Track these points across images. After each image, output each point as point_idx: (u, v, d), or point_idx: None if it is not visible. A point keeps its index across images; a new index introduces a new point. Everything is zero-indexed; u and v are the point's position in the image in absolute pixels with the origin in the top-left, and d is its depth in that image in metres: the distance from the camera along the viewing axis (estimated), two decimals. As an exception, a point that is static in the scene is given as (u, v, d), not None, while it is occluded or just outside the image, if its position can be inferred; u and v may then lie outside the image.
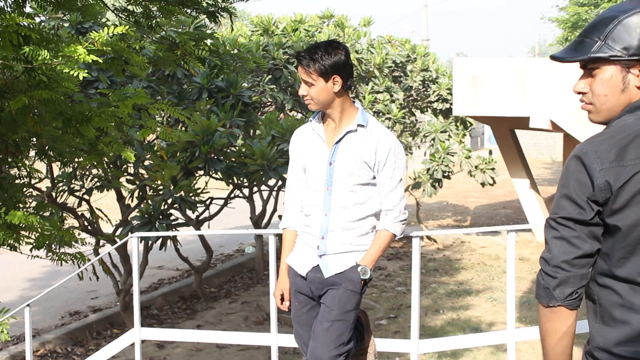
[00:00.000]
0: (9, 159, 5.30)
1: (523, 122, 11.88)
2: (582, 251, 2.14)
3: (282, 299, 3.78)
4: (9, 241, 4.63)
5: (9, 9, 4.56)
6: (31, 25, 4.29)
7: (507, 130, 14.01)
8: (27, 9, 5.62)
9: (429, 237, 14.01)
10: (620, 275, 2.15)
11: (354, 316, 3.54)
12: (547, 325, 2.22)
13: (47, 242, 4.92)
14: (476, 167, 13.32)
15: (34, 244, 4.88)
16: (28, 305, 4.60)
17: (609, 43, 2.13)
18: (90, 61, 4.01)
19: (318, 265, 3.55)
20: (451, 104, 13.64)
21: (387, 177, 3.53)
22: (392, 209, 3.57)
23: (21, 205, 5.19)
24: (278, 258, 4.03)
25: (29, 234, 4.80)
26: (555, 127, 11.17)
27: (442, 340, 4.53)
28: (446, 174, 13.12)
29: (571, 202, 2.14)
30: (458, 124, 14.48)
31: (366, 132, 3.54)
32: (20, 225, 4.53)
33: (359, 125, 3.54)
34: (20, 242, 4.82)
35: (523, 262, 11.86)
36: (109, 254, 8.50)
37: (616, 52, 2.12)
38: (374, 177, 3.55)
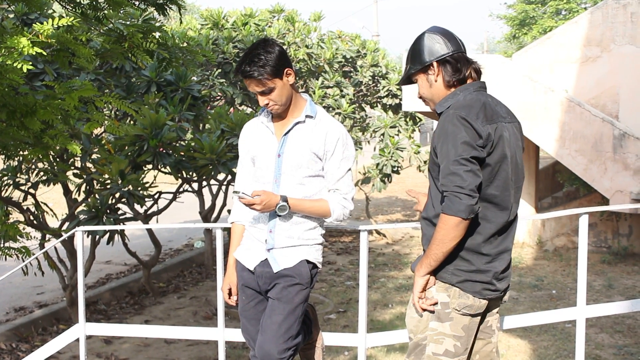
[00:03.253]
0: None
1: (471, 118, 12.00)
2: (480, 179, 3.06)
3: (230, 294, 3.76)
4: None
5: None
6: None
7: (455, 126, 14.13)
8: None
9: (378, 232, 14.08)
10: (483, 196, 3.14)
11: (302, 310, 3.54)
12: (455, 234, 3.06)
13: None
14: (425, 162, 13.40)
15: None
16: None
17: (412, 65, 3.36)
18: (35, 53, 3.95)
19: (266, 259, 3.54)
20: (401, 99, 13.73)
21: (335, 166, 3.54)
22: (339, 190, 3.57)
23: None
24: (226, 252, 4.01)
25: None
26: (503, 123, 11.29)
27: (390, 334, 4.55)
28: (395, 169, 13.19)
29: (471, 146, 3.05)
30: (407, 119, 14.55)
31: (315, 122, 3.55)
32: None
33: (307, 116, 3.54)
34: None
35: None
36: (55, 248, 8.38)
37: (416, 67, 3.34)
38: (323, 169, 3.55)
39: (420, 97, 3.43)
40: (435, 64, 3.28)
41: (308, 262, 3.55)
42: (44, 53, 4.07)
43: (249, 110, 12.13)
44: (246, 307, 3.66)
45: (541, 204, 14.78)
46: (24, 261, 5.29)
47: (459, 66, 3.28)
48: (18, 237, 5.19)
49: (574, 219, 12.44)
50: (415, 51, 3.35)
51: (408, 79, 3.45)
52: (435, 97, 3.35)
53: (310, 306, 3.86)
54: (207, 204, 10.84)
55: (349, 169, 3.60)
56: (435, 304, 3.21)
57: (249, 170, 3.68)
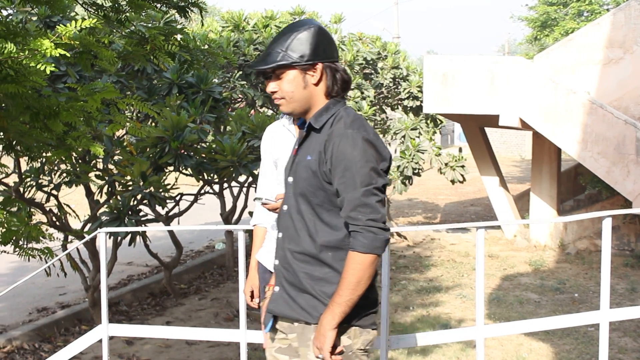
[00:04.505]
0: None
1: (493, 120, 11.97)
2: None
3: (252, 296, 3.77)
4: (-25, 236, 4.57)
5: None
6: (-2, 18, 4.24)
7: (477, 128, 14.10)
8: (-5, 2, 5.55)
9: (399, 234, 14.05)
10: None
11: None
12: (371, 272, 2.76)
13: (14, 237, 4.87)
14: (446, 164, 13.36)
15: (1, 240, 4.82)
16: (-6, 301, 4.55)
17: (289, 53, 2.84)
18: (58, 55, 3.97)
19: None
20: (421, 101, 13.70)
21: None
22: None
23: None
24: (247, 254, 4.01)
25: (-6, 229, 4.75)
26: (525, 125, 11.26)
27: (411, 337, 4.54)
28: (416, 171, 13.15)
29: (378, 174, 2.76)
30: (428, 121, 14.53)
31: None
32: (-14, 220, 4.47)
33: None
34: (-14, 237, 4.77)
35: (492, 259, 11.94)
36: (78, 250, 8.43)
37: (295, 59, 2.83)
38: None
39: (273, 93, 2.95)
40: (320, 65, 2.89)
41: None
42: (67, 55, 4.09)
43: (269, 112, 12.13)
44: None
45: (563, 207, 14.71)
46: (47, 262, 5.31)
47: (346, 77, 2.96)
48: (41, 238, 5.21)
49: (597, 222, 12.37)
50: (300, 41, 2.87)
51: (277, 67, 2.90)
52: (303, 101, 2.92)
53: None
54: (228, 205, 10.86)
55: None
56: (342, 352, 2.85)
57: (271, 173, 3.68)
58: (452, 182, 13.51)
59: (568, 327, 6.10)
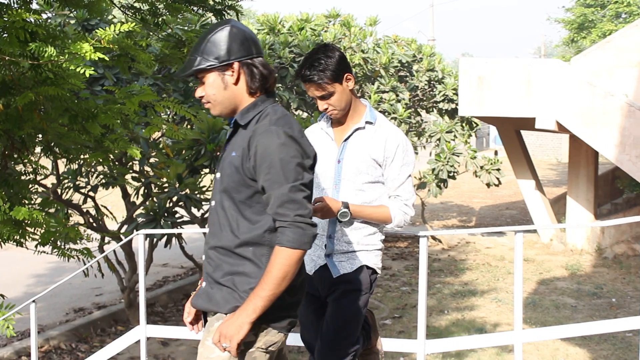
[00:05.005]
0: (15, 155, 5.29)
1: (529, 123, 11.87)
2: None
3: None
4: (15, 237, 4.62)
5: (15, 5, 4.55)
6: (38, 22, 4.28)
7: (512, 130, 14.00)
8: (34, 5, 5.60)
9: (434, 238, 13.99)
10: None
11: (362, 316, 3.53)
12: (296, 269, 2.71)
13: (52, 238, 4.91)
14: (481, 167, 13.28)
15: (40, 240, 4.87)
16: (34, 301, 4.60)
17: (205, 57, 2.84)
18: (97, 58, 4.00)
19: (326, 264, 3.53)
20: (457, 104, 13.62)
21: (395, 172, 3.51)
22: (400, 196, 3.54)
23: (26, 202, 5.18)
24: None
25: (34, 230, 4.79)
26: (561, 128, 11.15)
27: (448, 341, 4.52)
28: (451, 174, 13.08)
29: (304, 169, 2.74)
30: (464, 124, 14.45)
31: (374, 129, 3.53)
32: (26, 221, 4.52)
33: (367, 122, 3.53)
34: (26, 238, 4.82)
35: (528, 263, 11.84)
36: (114, 251, 8.49)
37: (212, 62, 2.83)
38: (383, 175, 3.53)
39: (201, 97, 2.94)
40: (236, 64, 2.85)
41: (367, 267, 3.54)
42: (106, 58, 4.12)
43: (304, 115, 12.14)
44: (305, 311, 3.66)
45: (600, 211, 14.56)
46: (84, 263, 5.36)
47: (266, 73, 2.89)
48: (78, 239, 5.26)
49: (635, 226, 12.22)
50: (214, 43, 2.85)
51: (197, 72, 2.90)
52: (227, 102, 2.90)
53: (369, 312, 3.85)
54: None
55: (409, 175, 3.57)
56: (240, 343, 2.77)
57: (308, 175, 3.68)
58: (488, 185, 13.43)
59: (606, 332, 6.03)
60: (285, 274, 2.68)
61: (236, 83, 2.87)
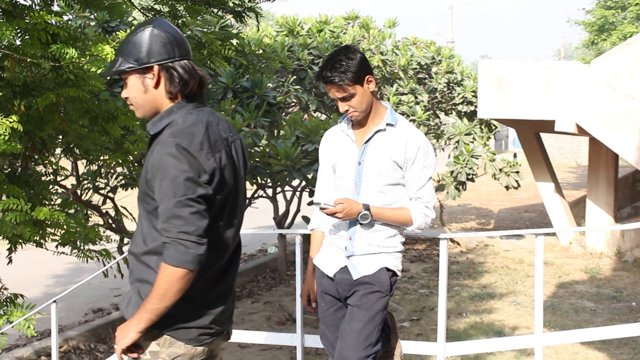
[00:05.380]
0: (36, 156, 5.33)
1: (548, 126, 11.80)
2: (207, 221, 2.63)
3: (309, 300, 3.76)
4: (35, 238, 4.65)
5: (37, 7, 4.58)
6: (59, 24, 4.31)
7: (532, 133, 13.93)
8: (55, 7, 5.64)
9: (452, 240, 13.95)
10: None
11: (382, 318, 3.52)
12: (180, 287, 2.61)
13: (72, 239, 4.94)
14: (500, 170, 13.22)
15: (60, 241, 4.90)
16: (54, 301, 4.61)
17: (126, 58, 2.77)
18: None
19: (346, 266, 3.53)
20: (476, 106, 13.57)
21: (416, 174, 3.51)
22: (421, 199, 3.54)
23: (47, 202, 5.21)
24: (303, 259, 4.02)
25: (54, 230, 4.82)
26: (581, 131, 11.08)
27: (469, 344, 4.50)
28: (470, 177, 13.04)
29: (196, 183, 2.61)
30: (482, 126, 14.39)
31: (395, 131, 3.53)
32: (46, 222, 4.54)
33: (388, 124, 3.53)
34: (46, 238, 4.85)
35: (547, 266, 11.77)
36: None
37: (131, 65, 2.76)
38: (404, 177, 3.52)
39: (127, 98, 2.87)
40: (156, 67, 2.77)
41: (388, 269, 3.53)
42: (127, 60, 4.14)
43: (323, 116, 12.15)
44: (325, 313, 3.66)
45: (620, 214, 14.46)
46: (103, 264, 5.38)
47: (187, 77, 2.79)
48: (97, 240, 5.28)
49: (655, 230, 12.13)
50: (134, 45, 2.77)
51: (119, 73, 2.84)
52: (147, 106, 2.83)
53: (389, 314, 3.84)
54: (281, 209, 10.89)
55: (430, 177, 3.56)
56: (142, 352, 2.79)
57: (329, 178, 3.68)
58: (507, 187, 13.37)
59: (626, 336, 5.99)
60: (165, 291, 2.61)
61: (156, 87, 2.79)
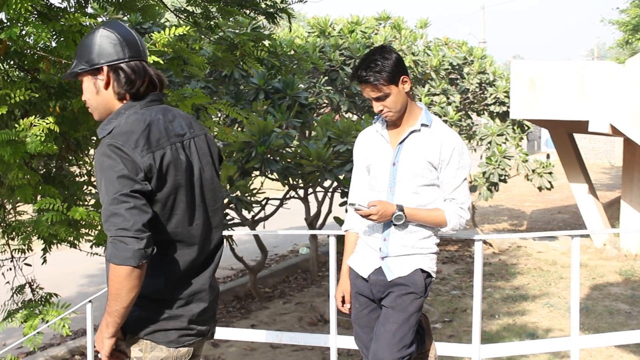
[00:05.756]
0: (70, 157, 5.37)
1: (582, 126, 11.69)
2: (148, 215, 2.59)
3: (343, 301, 3.75)
4: (70, 238, 4.68)
5: (72, 10, 4.62)
6: (94, 25, 4.34)
7: (565, 134, 13.81)
8: (89, 10, 5.68)
9: (484, 241, 13.87)
10: (162, 235, 2.71)
11: (416, 319, 3.50)
12: (130, 285, 2.57)
13: (105, 239, 4.97)
14: (533, 171, 13.13)
15: (94, 241, 4.93)
16: (90, 301, 4.65)
17: (79, 60, 2.79)
18: (152, 62, 4.04)
19: (380, 267, 3.52)
20: (508, 107, 13.49)
21: (451, 175, 3.48)
22: (455, 200, 3.51)
23: (81, 203, 5.25)
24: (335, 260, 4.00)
25: (88, 231, 4.85)
26: (615, 132, 10.96)
27: (504, 346, 4.46)
28: (502, 178, 12.97)
29: (131, 179, 2.57)
30: (515, 127, 14.31)
31: (430, 131, 3.50)
32: (81, 222, 4.57)
33: (422, 125, 3.50)
34: (80, 239, 4.88)
35: (581, 268, 11.62)
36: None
37: (83, 66, 2.77)
38: (438, 178, 3.50)
39: (85, 102, 2.88)
40: (105, 68, 2.76)
41: (422, 271, 3.51)
42: (161, 61, 4.16)
43: (355, 117, 12.13)
44: (359, 314, 3.65)
45: (655, 215, 14.27)
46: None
47: (133, 77, 2.77)
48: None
49: (691, 231, 11.98)
50: (85, 47, 2.78)
51: (74, 76, 2.85)
52: (101, 108, 2.83)
53: (423, 315, 3.82)
54: (313, 210, 10.89)
55: (465, 178, 3.54)
56: (127, 358, 2.80)
57: (364, 178, 3.66)
58: (539, 189, 13.27)
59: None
60: (117, 290, 2.58)
61: (107, 87, 2.78)
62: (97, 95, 2.79)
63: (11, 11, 3.73)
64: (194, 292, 2.84)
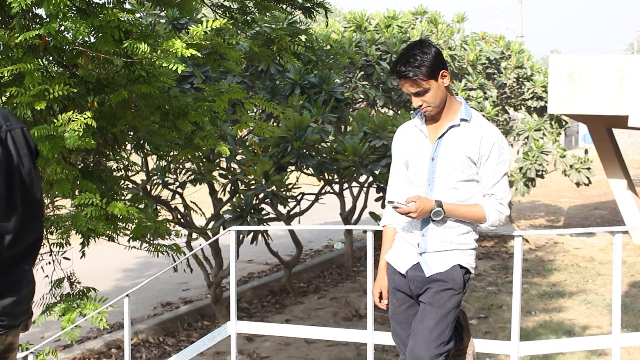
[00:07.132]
0: (108, 152, 5.40)
1: (621, 121, 11.54)
2: None
3: (381, 297, 3.73)
4: (108, 232, 4.71)
5: (110, 5, 4.64)
6: (131, 21, 4.35)
7: (603, 129, 13.65)
8: (127, 5, 5.71)
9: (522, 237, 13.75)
10: None
11: (454, 316, 3.47)
12: None
13: (143, 233, 4.99)
14: (571, 166, 13.00)
15: (132, 235, 4.95)
16: (127, 295, 4.68)
17: None
18: (189, 55, 4.05)
19: (418, 263, 3.49)
20: (546, 101, 13.36)
21: (490, 171, 3.44)
22: (495, 195, 3.47)
23: (118, 197, 5.28)
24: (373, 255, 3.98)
25: (125, 225, 4.88)
26: (656, 127, 10.81)
27: (543, 343, 4.42)
28: (540, 173, 12.86)
29: None
30: (553, 122, 14.17)
31: (470, 126, 3.46)
32: (119, 216, 4.60)
33: (462, 119, 3.47)
34: (117, 233, 4.91)
35: (619, 265, 11.51)
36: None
37: None
38: (478, 173, 3.46)
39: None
40: None
41: (461, 267, 3.47)
42: (199, 55, 4.16)
43: (390, 112, 12.08)
44: (397, 310, 3.62)
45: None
46: (172, 258, 5.43)
47: None
48: (166, 235, 5.33)
49: None
50: None
51: None
52: None
53: (461, 312, 3.78)
54: (348, 205, 10.86)
55: (505, 174, 3.49)
56: None
57: (402, 174, 3.63)
58: (577, 184, 13.14)
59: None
60: None
61: None
62: None
63: (50, 7, 3.76)
64: (7, 283, 2.75)
